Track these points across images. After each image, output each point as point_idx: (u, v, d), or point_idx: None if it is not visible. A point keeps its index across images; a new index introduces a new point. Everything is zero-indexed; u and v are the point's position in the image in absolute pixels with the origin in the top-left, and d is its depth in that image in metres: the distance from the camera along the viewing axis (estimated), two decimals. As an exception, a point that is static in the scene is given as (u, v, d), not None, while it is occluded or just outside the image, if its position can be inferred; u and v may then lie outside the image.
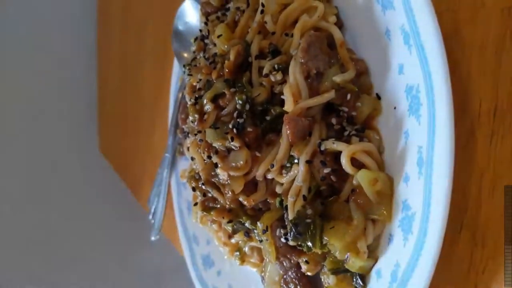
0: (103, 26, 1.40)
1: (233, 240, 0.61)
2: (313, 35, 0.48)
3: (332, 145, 0.45)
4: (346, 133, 0.47)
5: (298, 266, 0.50)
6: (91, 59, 1.46)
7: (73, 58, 1.49)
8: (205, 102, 0.55)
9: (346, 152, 0.44)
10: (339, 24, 0.50)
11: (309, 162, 0.47)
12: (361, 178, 0.43)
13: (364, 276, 0.46)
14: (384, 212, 0.44)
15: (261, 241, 0.52)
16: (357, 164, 0.44)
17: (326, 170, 0.45)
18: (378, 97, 0.46)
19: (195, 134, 0.57)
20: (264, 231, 0.51)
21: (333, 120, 0.47)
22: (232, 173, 0.51)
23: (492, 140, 0.40)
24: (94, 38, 1.45)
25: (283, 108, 0.49)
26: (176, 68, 0.76)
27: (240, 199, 0.52)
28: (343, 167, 0.44)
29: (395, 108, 0.44)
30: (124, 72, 1.26)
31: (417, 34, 0.40)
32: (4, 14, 1.36)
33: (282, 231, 0.50)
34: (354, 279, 0.46)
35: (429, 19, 0.39)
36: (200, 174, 0.56)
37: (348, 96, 0.46)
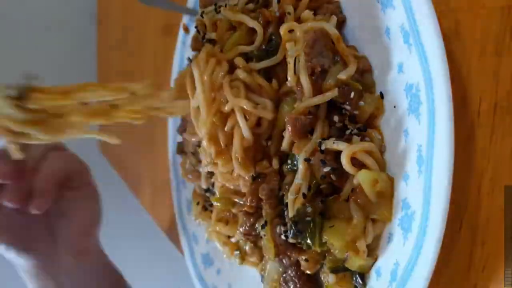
0: (103, 26, 1.40)
1: (233, 240, 0.61)
2: (318, 32, 0.47)
3: (333, 144, 0.45)
4: (348, 132, 0.46)
5: (297, 264, 0.50)
6: (91, 58, 1.46)
7: (73, 58, 1.49)
8: None
9: (346, 152, 0.44)
10: (342, 19, 0.50)
11: (307, 160, 0.47)
12: (362, 178, 0.43)
13: (363, 275, 0.46)
14: (384, 212, 0.44)
15: (261, 237, 0.52)
16: (358, 164, 0.44)
17: (326, 169, 0.45)
18: (382, 95, 0.46)
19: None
20: (264, 226, 0.51)
21: (335, 118, 0.47)
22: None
23: (492, 139, 0.40)
24: (94, 37, 1.45)
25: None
26: (175, 69, 0.76)
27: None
28: (344, 167, 0.44)
29: (394, 106, 0.44)
30: (124, 72, 1.26)
31: (416, 33, 0.40)
32: (3, 12, 1.36)
33: (282, 228, 0.50)
34: (354, 278, 0.46)
35: (429, 18, 0.39)
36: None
37: (352, 94, 0.46)
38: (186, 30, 0.71)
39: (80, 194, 0.62)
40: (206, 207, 0.64)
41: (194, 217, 0.66)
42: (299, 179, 0.47)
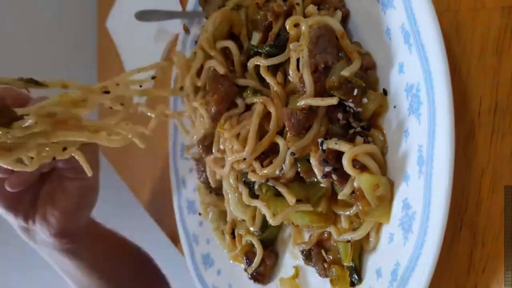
0: (103, 26, 1.40)
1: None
2: (322, 27, 0.47)
3: (335, 145, 0.45)
4: (351, 130, 0.46)
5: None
6: (91, 59, 1.46)
7: (73, 58, 1.49)
8: None
9: (348, 154, 0.44)
10: (346, 13, 0.49)
11: (292, 154, 0.48)
12: (363, 183, 0.43)
13: (360, 272, 0.46)
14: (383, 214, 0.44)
15: None
16: (359, 165, 0.44)
17: (328, 169, 0.45)
18: (385, 92, 0.46)
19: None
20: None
21: (339, 115, 0.47)
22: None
23: (492, 139, 0.40)
24: (94, 37, 1.45)
25: None
26: (175, 71, 0.76)
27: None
28: (345, 169, 0.44)
29: (395, 107, 0.44)
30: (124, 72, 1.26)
31: (417, 33, 0.40)
32: (3, 13, 1.36)
33: None
34: (350, 275, 0.47)
35: (429, 19, 0.39)
36: None
37: (355, 91, 0.45)
38: (187, 30, 0.71)
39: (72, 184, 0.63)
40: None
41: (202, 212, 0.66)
42: (287, 168, 0.50)
